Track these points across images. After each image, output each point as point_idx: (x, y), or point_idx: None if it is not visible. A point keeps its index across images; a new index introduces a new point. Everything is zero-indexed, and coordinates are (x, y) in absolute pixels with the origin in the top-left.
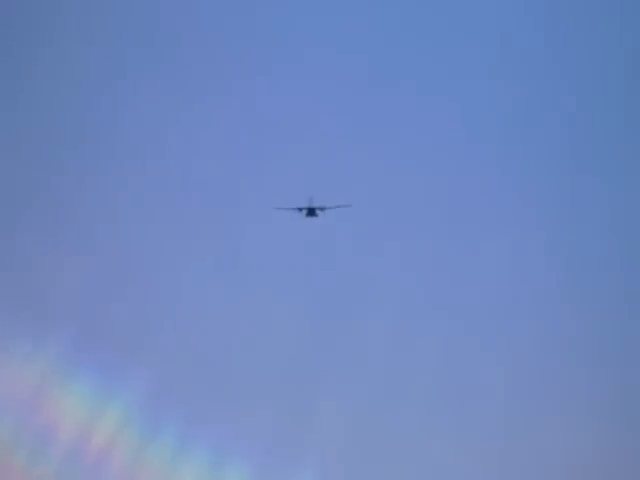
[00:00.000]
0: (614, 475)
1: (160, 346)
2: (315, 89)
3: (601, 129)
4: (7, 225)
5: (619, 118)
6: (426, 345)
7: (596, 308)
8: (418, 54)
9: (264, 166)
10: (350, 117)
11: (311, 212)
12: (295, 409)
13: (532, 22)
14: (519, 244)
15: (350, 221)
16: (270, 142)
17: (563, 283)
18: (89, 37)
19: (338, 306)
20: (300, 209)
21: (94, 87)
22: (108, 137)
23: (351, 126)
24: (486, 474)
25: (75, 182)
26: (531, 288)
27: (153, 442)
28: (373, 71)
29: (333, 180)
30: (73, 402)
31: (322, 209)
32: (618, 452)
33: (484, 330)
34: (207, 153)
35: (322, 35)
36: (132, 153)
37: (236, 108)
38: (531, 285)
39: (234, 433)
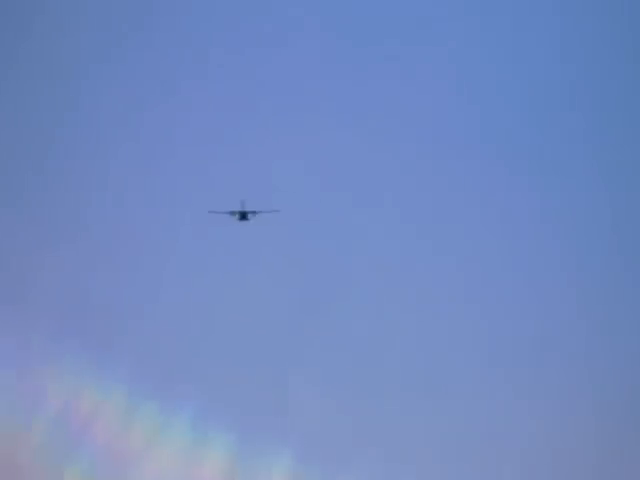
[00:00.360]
0: (614, 475)
1: (141, 327)
2: (250, 92)
3: (601, 127)
4: None
5: (619, 116)
6: (399, 333)
7: (595, 307)
8: (358, 46)
9: (200, 170)
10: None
11: (243, 216)
12: (275, 385)
13: (532, 21)
14: (475, 243)
15: (279, 225)
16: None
17: (527, 277)
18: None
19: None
20: (233, 213)
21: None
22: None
23: (286, 131)
24: (467, 462)
25: (46, 177)
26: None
27: (136, 418)
28: (306, 73)
29: (265, 185)
30: (56, 379)
31: (254, 213)
32: (618, 452)
33: (451, 314)
34: (145, 157)
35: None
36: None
37: (171, 111)
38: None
39: (215, 408)
